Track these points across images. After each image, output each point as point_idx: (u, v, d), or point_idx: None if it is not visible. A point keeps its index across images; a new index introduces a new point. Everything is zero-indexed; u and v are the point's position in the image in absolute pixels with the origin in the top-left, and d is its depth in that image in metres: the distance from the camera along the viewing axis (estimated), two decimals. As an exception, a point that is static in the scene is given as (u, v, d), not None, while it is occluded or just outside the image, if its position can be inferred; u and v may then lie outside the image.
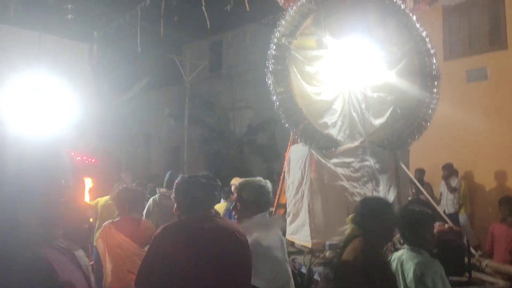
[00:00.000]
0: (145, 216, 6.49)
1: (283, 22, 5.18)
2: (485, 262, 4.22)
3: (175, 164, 16.40)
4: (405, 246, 3.14)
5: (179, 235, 2.42)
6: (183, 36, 17.41)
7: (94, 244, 4.85)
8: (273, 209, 6.39)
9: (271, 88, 5.04)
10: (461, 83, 9.29)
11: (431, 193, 8.99)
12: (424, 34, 5.44)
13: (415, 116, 5.36)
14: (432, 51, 5.46)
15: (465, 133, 8.86)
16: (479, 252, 4.63)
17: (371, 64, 5.31)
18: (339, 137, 5.18)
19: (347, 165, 5.05)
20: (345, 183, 4.92)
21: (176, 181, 2.66)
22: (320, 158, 5.00)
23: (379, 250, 2.81)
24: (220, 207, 6.58)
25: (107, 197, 6.73)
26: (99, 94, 15.13)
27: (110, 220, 4.27)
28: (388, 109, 5.25)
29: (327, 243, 4.80)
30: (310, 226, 4.87)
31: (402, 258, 3.01)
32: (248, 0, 9.15)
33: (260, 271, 2.72)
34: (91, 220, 2.53)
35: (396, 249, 3.82)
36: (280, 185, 6.13)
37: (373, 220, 2.82)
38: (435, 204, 5.46)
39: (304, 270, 4.65)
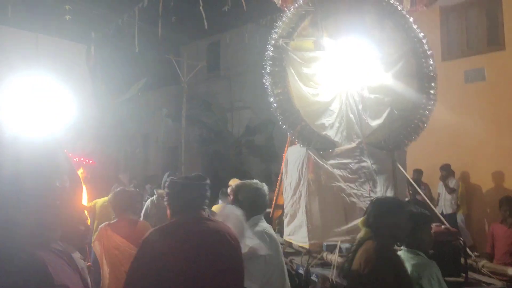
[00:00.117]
0: (143, 217, 6.51)
1: (280, 23, 5.20)
2: (481, 262, 4.24)
3: (173, 164, 16.39)
4: (402, 247, 3.15)
5: (168, 238, 2.37)
6: (181, 37, 17.42)
7: (92, 245, 4.86)
8: (270, 210, 6.41)
9: (268, 90, 5.05)
10: (459, 83, 9.31)
11: (429, 193, 9.02)
12: (421, 35, 5.46)
13: (412, 117, 5.37)
14: (429, 53, 5.47)
15: (463, 134, 8.87)
16: (475, 253, 4.64)
17: (368, 66, 5.32)
18: (337, 138, 5.19)
19: (344, 166, 5.06)
20: (342, 184, 4.93)
21: (166, 182, 2.62)
22: (318, 159, 5.00)
23: (392, 251, 2.72)
24: (218, 208, 6.58)
25: (105, 198, 6.73)
26: (96, 94, 15.11)
27: (107, 222, 4.26)
28: (385, 110, 5.26)
29: (325, 244, 4.82)
30: (307, 227, 4.88)
31: None
32: (246, 0, 9.17)
33: (253, 274, 2.70)
34: (88, 222, 2.52)
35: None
36: (277, 186, 6.14)
37: (386, 221, 2.75)
38: (431, 205, 5.46)
39: (301, 271, 4.66)
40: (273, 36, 5.14)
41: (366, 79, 5.33)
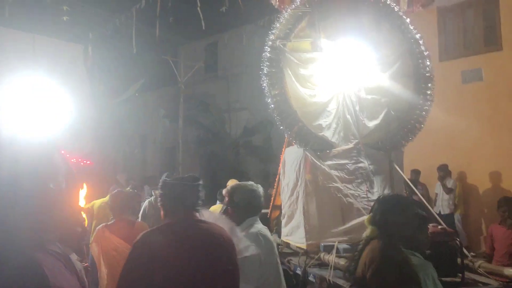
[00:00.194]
0: (140, 218, 6.52)
1: (278, 24, 5.20)
2: (478, 263, 4.26)
3: (171, 165, 16.40)
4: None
5: (159, 241, 2.34)
6: (179, 38, 17.42)
7: (90, 246, 4.86)
8: (268, 211, 6.42)
9: (266, 91, 5.06)
10: (457, 84, 9.34)
11: (426, 194, 9.05)
12: (417, 36, 5.47)
13: (409, 118, 5.38)
14: (426, 53, 5.48)
15: (460, 134, 8.90)
16: (472, 253, 4.66)
17: (365, 67, 5.33)
18: (334, 139, 5.20)
19: (341, 167, 5.07)
20: (340, 185, 4.94)
21: (159, 183, 2.60)
22: (315, 160, 5.02)
23: (398, 251, 2.59)
24: (216, 209, 6.59)
25: (103, 199, 6.74)
26: (94, 95, 15.11)
27: (104, 224, 4.28)
28: (382, 111, 5.27)
29: (322, 244, 4.83)
30: (305, 227, 4.89)
31: None
32: (243, 1, 9.18)
33: (247, 275, 2.68)
34: (85, 223, 2.51)
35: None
36: (275, 187, 6.16)
37: (393, 218, 2.64)
38: (428, 206, 5.48)
39: (299, 271, 4.67)
40: (271, 37, 5.15)
41: (363, 80, 5.34)
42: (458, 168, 9.25)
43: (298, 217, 5.05)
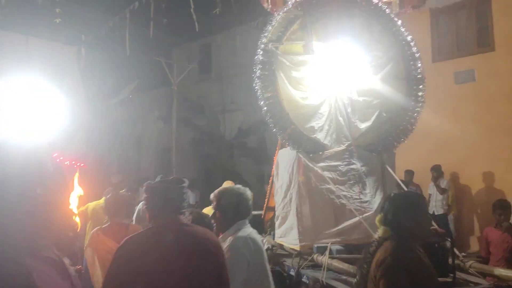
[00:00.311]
0: (135, 221, 6.51)
1: (270, 27, 5.24)
2: (469, 263, 4.30)
3: (166, 167, 16.36)
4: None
5: (143, 246, 2.31)
6: (172, 39, 17.39)
7: (84, 250, 4.86)
8: (262, 212, 6.45)
9: (258, 93, 5.09)
10: (450, 84, 9.41)
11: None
12: (409, 38, 5.52)
13: (400, 119, 5.43)
14: (417, 55, 5.53)
15: (453, 135, 8.95)
16: (463, 253, 4.70)
17: (357, 69, 5.38)
18: (326, 141, 5.23)
19: (334, 168, 5.11)
20: (332, 186, 4.97)
21: (144, 187, 2.56)
22: (308, 162, 5.05)
23: (411, 251, 2.50)
24: (210, 210, 6.60)
25: (97, 202, 6.73)
26: (88, 97, 15.06)
27: (98, 227, 4.28)
28: (374, 113, 5.31)
29: (315, 245, 4.87)
30: (298, 229, 4.93)
31: None
32: (237, 3, 9.20)
33: (236, 279, 2.66)
34: (78, 227, 2.51)
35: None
36: (269, 188, 6.18)
37: (406, 217, 2.54)
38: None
39: (292, 272, 4.70)
40: (263, 40, 5.18)
41: (355, 82, 5.38)
42: (451, 168, 9.31)
43: (292, 219, 5.08)
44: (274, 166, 5.70)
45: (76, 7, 12.78)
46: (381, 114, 5.31)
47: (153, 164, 17.94)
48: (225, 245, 2.86)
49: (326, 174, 5.03)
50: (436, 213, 8.80)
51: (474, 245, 8.82)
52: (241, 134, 15.74)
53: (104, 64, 16.08)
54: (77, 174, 2.49)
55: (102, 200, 6.45)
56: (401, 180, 5.99)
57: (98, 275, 3.97)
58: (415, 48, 5.56)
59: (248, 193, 3.21)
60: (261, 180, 12.38)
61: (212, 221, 3.18)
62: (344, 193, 4.99)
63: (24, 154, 1.49)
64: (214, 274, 2.38)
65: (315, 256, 4.65)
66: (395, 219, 2.57)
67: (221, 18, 10.43)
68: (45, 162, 1.54)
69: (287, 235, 5.16)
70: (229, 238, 2.98)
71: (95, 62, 15.12)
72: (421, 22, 9.56)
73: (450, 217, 9.09)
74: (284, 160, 5.38)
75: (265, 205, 6.36)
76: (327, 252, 4.55)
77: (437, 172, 9.03)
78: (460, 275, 4.07)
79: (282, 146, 5.55)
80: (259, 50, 5.16)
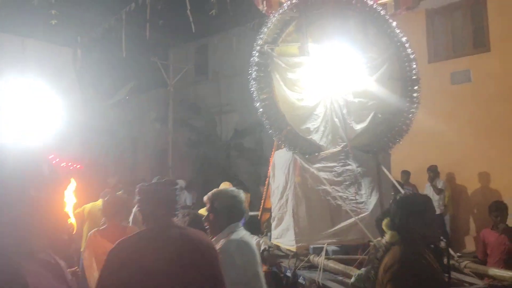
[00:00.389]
0: (131, 222, 6.50)
1: (266, 29, 5.25)
2: (464, 263, 4.32)
3: (162, 168, 16.34)
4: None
5: (136, 248, 2.30)
6: (169, 40, 17.41)
7: (82, 252, 4.86)
8: (259, 213, 6.47)
9: (254, 95, 5.10)
10: (446, 85, 9.45)
11: (415, 194, 9.11)
12: (404, 39, 5.54)
13: (396, 120, 5.45)
14: (412, 56, 5.56)
15: (449, 135, 8.98)
16: (458, 253, 4.72)
17: (352, 70, 5.39)
18: (322, 142, 5.24)
19: (329, 169, 5.12)
20: (328, 187, 4.98)
21: (136, 189, 2.56)
22: (304, 163, 5.06)
23: (420, 256, 2.43)
24: (205, 212, 6.60)
25: (93, 203, 6.73)
26: (84, 98, 15.04)
27: (96, 229, 4.29)
28: (369, 114, 5.33)
29: (311, 246, 4.89)
30: (294, 230, 4.94)
31: None
32: (233, 5, 9.22)
33: (228, 282, 2.67)
34: (74, 230, 2.50)
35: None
36: (265, 190, 6.20)
37: (414, 221, 2.49)
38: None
39: (289, 273, 4.71)
40: (259, 42, 5.20)
41: (350, 83, 5.40)
42: (448, 169, 9.34)
43: (288, 220, 5.09)
44: (270, 167, 5.71)
45: (72, 9, 12.77)
46: (377, 115, 5.33)
47: (149, 165, 17.92)
48: (217, 247, 2.86)
49: (322, 175, 5.05)
50: (432, 213, 8.81)
51: (470, 245, 8.84)
52: (237, 135, 15.75)
53: (100, 65, 16.06)
54: (74, 183, 2.47)
55: (98, 202, 6.44)
56: (397, 181, 6.02)
57: (95, 277, 3.97)
58: (410, 49, 5.58)
59: (242, 196, 3.20)
60: (258, 181, 12.38)
61: (205, 223, 3.15)
62: (340, 194, 5.00)
63: (20, 156, 1.49)
64: (208, 276, 2.37)
65: (311, 257, 4.66)
66: (403, 223, 2.51)
67: (217, 20, 10.44)
68: (40, 164, 1.53)
69: (284, 236, 5.17)
70: (222, 240, 2.97)
71: (91, 63, 15.09)
72: (417, 23, 9.61)
73: (447, 218, 9.12)
74: (280, 161, 5.39)
75: (261, 206, 6.38)
76: (323, 253, 4.55)
77: (433, 172, 9.07)
78: (455, 275, 4.08)
79: (278, 147, 5.56)
80: (255, 52, 5.17)
